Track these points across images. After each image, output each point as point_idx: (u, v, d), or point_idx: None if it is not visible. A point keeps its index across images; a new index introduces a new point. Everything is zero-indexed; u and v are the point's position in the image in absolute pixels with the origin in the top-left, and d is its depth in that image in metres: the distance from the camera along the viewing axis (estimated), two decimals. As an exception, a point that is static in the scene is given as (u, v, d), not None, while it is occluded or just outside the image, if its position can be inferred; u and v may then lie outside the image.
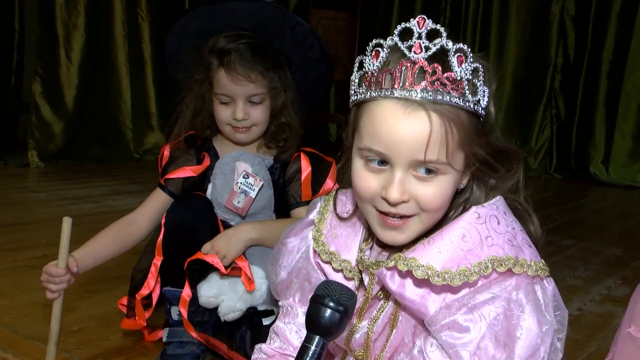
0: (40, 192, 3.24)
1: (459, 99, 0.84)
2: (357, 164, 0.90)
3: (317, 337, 0.81)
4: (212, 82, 1.49)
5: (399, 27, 0.85)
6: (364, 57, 0.89)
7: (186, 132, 1.56)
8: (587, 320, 1.95)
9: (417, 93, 0.83)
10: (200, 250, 1.43)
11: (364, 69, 0.89)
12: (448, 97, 0.83)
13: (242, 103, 1.48)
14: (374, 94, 0.86)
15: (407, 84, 0.83)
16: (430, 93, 0.83)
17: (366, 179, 0.90)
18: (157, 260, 1.49)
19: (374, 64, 0.87)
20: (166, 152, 1.58)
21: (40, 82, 3.92)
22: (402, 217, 0.89)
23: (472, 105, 0.86)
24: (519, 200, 0.96)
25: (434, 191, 0.87)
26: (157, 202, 1.56)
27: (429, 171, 0.86)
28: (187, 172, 1.55)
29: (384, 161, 0.87)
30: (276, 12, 1.47)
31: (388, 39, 0.86)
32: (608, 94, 4.75)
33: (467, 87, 0.85)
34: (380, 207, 0.89)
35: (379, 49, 0.87)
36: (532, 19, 4.99)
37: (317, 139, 4.83)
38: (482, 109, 0.88)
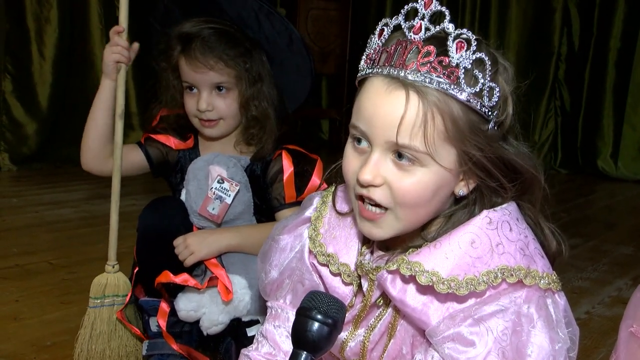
0: (12, 198, 3.20)
1: (450, 85, 0.83)
2: (348, 144, 0.92)
3: (305, 353, 0.78)
4: (178, 70, 1.48)
5: (406, 7, 0.87)
6: (372, 36, 0.91)
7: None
8: (596, 325, 1.94)
9: (403, 72, 0.83)
10: (173, 243, 1.42)
11: (368, 48, 0.91)
12: (437, 81, 0.83)
13: (206, 93, 1.45)
14: (368, 71, 0.88)
15: (397, 62, 0.84)
16: (417, 74, 0.83)
17: (349, 158, 0.91)
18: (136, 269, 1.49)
19: (376, 42, 0.89)
20: (160, 113, 1.56)
21: (11, 80, 3.87)
22: (376, 205, 0.88)
23: (466, 97, 0.84)
24: (534, 213, 0.94)
25: (409, 182, 0.86)
26: (130, 157, 1.55)
27: (408, 159, 0.85)
28: (170, 141, 1.55)
29: (368, 142, 0.88)
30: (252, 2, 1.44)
31: (394, 17, 0.88)
32: (616, 83, 4.75)
33: (463, 76, 0.83)
34: (356, 189, 0.90)
35: (384, 28, 0.89)
36: (534, 5, 4.99)
37: (308, 137, 4.80)
38: (485, 106, 0.86)
